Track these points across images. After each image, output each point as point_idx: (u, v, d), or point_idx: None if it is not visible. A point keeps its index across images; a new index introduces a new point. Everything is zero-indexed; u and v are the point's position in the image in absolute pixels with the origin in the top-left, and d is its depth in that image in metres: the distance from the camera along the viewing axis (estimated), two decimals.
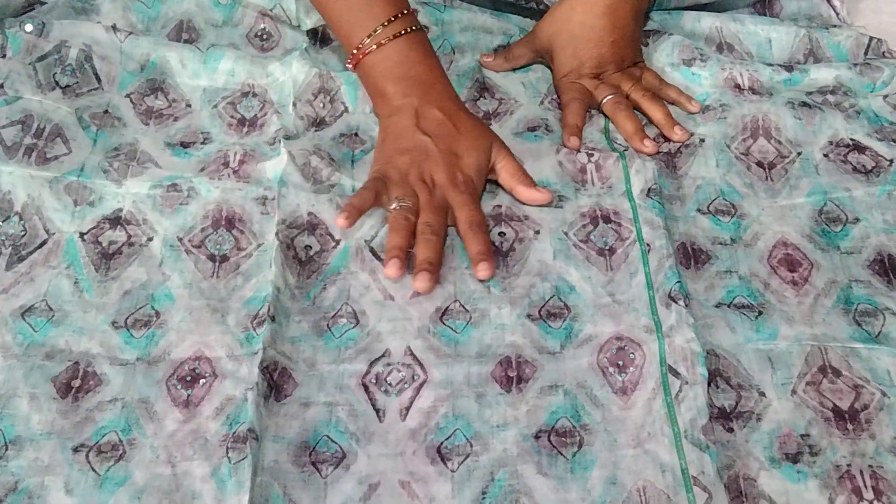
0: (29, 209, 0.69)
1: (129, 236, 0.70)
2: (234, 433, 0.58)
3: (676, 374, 0.60)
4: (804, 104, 0.81)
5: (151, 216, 0.72)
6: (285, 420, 0.59)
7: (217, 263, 0.69)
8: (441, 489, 0.56)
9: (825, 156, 0.78)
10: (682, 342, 0.62)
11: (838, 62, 0.88)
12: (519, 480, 0.57)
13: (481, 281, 0.69)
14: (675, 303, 0.65)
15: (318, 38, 0.89)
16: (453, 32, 0.92)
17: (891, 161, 0.77)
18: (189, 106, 0.82)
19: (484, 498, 0.56)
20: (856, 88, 0.83)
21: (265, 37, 0.89)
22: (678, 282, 0.66)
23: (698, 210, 0.75)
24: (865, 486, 0.56)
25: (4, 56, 0.79)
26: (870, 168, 0.77)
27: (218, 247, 0.71)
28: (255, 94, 0.83)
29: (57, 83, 0.79)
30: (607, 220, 0.73)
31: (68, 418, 0.59)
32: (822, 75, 0.83)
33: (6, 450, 0.57)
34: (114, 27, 0.85)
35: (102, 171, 0.74)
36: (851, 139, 0.78)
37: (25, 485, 0.55)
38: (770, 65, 0.84)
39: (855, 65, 0.84)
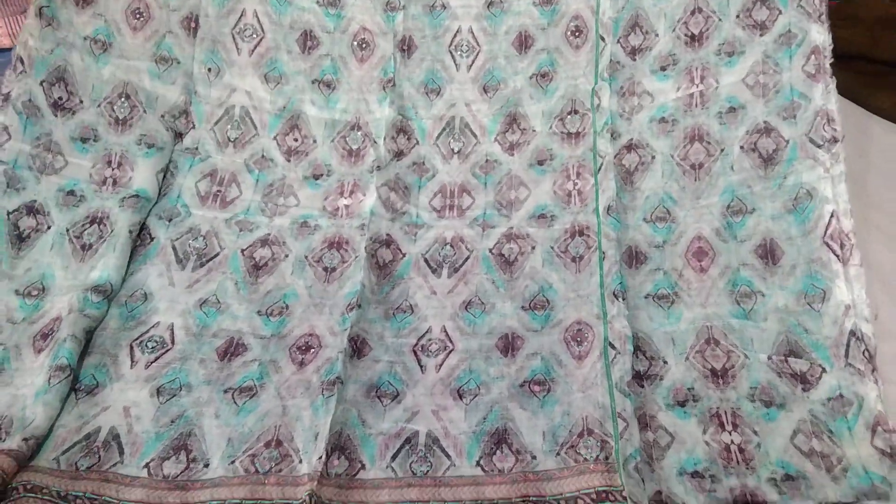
0: (210, 233, 0.84)
1: (273, 254, 0.84)
2: (327, 380, 0.71)
3: (613, 347, 0.72)
4: (731, 109, 0.84)
5: (289, 241, 0.85)
6: (362, 371, 0.73)
7: (328, 273, 0.83)
8: (457, 415, 0.70)
9: (741, 147, 0.81)
10: (619, 327, 0.73)
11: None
12: (507, 412, 0.70)
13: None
14: (617, 299, 0.75)
15: (404, 45, 0.99)
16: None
17: (787, 140, 0.77)
18: (315, 141, 0.95)
19: (484, 421, 0.70)
20: (778, 58, 0.82)
21: (364, 46, 1.00)
22: (620, 283, 0.77)
23: (644, 219, 0.82)
24: (727, 422, 0.68)
25: (195, 127, 0.92)
26: (771, 152, 0.78)
27: (330, 261, 0.84)
28: (359, 128, 0.95)
29: (228, 139, 0.93)
30: (581, 233, 0.83)
31: (223, 372, 0.73)
32: (753, 52, 0.83)
33: (180, 390, 0.71)
34: (266, 77, 0.95)
35: (260, 210, 0.87)
36: (765, 122, 0.80)
37: (189, 413, 0.69)
38: (717, 53, 0.86)
39: (774, 41, 0.83)
